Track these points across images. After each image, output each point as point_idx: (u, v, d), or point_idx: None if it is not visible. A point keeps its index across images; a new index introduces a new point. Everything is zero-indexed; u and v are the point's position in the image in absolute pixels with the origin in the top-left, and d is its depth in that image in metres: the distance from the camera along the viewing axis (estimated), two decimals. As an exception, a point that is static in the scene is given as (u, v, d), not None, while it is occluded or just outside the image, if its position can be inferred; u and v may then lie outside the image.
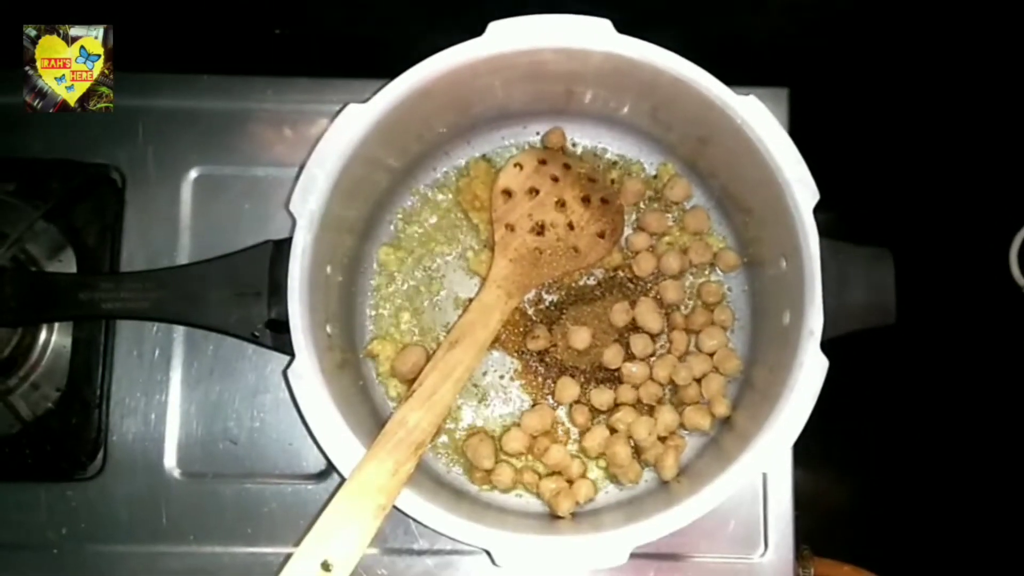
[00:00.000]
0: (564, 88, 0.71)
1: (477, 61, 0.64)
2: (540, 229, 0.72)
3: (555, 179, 0.73)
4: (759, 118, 0.63)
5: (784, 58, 0.79)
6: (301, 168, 0.63)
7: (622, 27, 0.64)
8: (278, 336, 0.63)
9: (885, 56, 0.84)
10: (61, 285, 0.67)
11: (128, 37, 0.72)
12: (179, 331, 0.75)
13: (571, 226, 0.73)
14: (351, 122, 0.63)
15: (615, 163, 0.76)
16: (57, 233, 0.77)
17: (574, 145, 0.77)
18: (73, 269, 0.76)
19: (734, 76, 0.65)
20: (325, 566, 0.57)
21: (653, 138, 0.76)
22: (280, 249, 0.64)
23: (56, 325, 0.77)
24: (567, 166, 0.74)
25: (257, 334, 0.64)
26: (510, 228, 0.72)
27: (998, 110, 0.87)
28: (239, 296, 0.64)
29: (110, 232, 0.76)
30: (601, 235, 0.73)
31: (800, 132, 0.71)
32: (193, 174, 0.77)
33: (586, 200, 0.73)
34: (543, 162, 0.74)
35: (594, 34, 0.64)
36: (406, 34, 0.75)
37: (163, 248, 0.76)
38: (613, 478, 0.72)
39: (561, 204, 0.73)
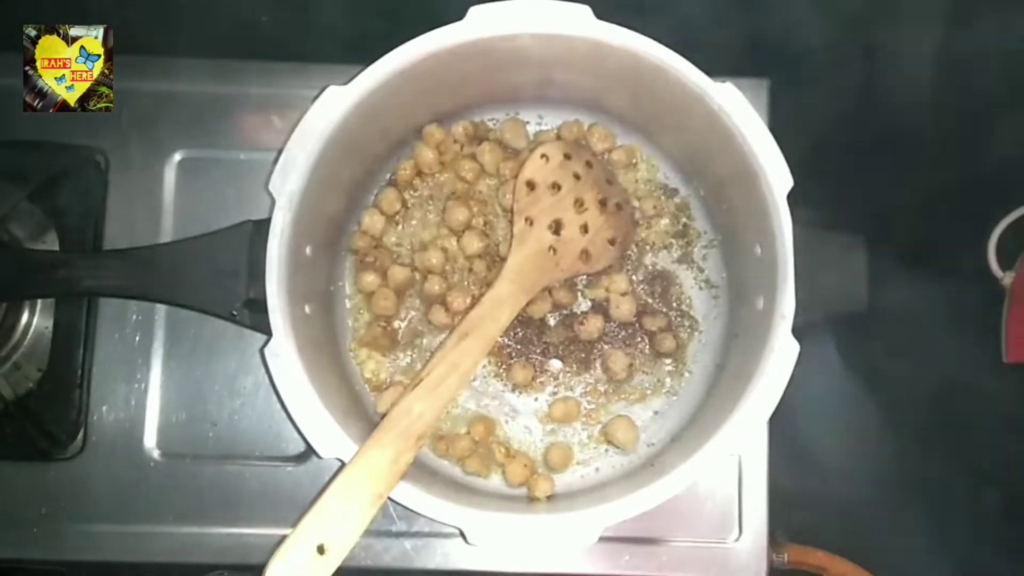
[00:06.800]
0: (547, 74, 0.72)
1: (457, 45, 0.65)
2: (557, 227, 0.71)
3: (577, 177, 0.72)
4: (735, 105, 0.64)
5: (765, 49, 0.80)
6: (282, 150, 0.64)
7: (602, 14, 0.65)
8: (256, 315, 0.64)
9: (866, 46, 0.84)
10: (39, 262, 0.67)
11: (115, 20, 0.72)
12: (160, 313, 0.76)
13: (585, 228, 0.71)
14: (332, 104, 0.64)
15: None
16: (40, 215, 0.77)
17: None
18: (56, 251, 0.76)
19: (716, 67, 0.65)
20: (320, 549, 0.56)
21: (635, 126, 0.76)
22: (259, 229, 0.64)
23: (38, 306, 0.77)
24: (589, 164, 0.73)
25: (235, 313, 0.65)
26: (529, 222, 0.70)
27: (978, 102, 0.88)
28: (217, 275, 0.65)
29: (93, 214, 0.77)
30: (612, 242, 0.73)
31: (780, 122, 0.72)
32: (177, 157, 0.78)
33: (603, 203, 0.72)
34: (568, 156, 0.72)
35: (573, 20, 0.64)
36: (392, 21, 0.75)
37: (146, 231, 0.76)
38: (607, 441, 0.73)
39: (579, 204, 0.72)
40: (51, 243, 0.77)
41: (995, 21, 0.79)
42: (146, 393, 0.75)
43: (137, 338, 0.76)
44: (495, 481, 0.72)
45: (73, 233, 0.76)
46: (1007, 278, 0.91)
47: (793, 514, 0.79)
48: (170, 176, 0.78)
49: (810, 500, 0.89)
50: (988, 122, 0.88)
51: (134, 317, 0.76)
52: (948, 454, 0.93)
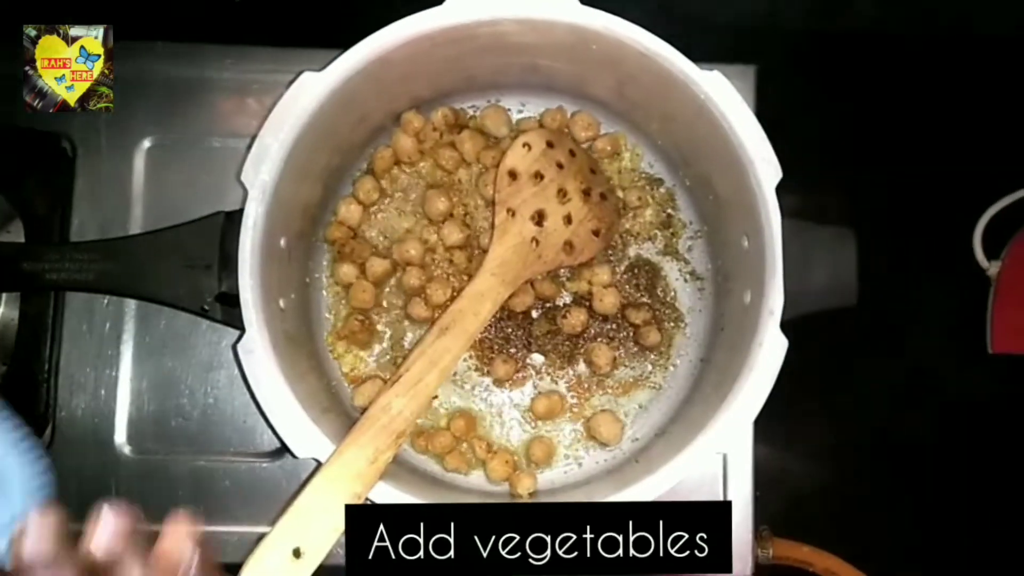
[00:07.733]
0: (529, 61, 0.70)
1: (437, 30, 0.63)
2: (540, 218, 0.69)
3: (560, 166, 0.70)
4: (723, 94, 0.62)
5: (752, 36, 0.78)
6: (254, 138, 0.62)
7: (586, -1, 0.63)
8: (228, 310, 0.62)
9: (854, 35, 0.83)
10: (3, 255, 0.65)
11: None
12: (131, 305, 0.74)
13: (568, 219, 0.69)
14: (306, 91, 0.62)
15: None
16: (5, 203, 0.74)
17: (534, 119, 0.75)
18: (21, 240, 0.74)
19: (701, 53, 0.63)
20: (296, 553, 0.55)
21: (619, 115, 0.75)
22: (232, 220, 0.63)
23: (3, 296, 0.75)
24: (572, 153, 0.71)
25: (207, 308, 0.63)
26: (511, 213, 0.68)
27: (965, 92, 0.87)
28: (189, 268, 0.63)
29: (60, 203, 0.74)
30: (596, 233, 0.71)
31: (767, 111, 0.71)
32: (146, 144, 0.75)
33: (587, 193, 0.70)
34: (551, 145, 0.70)
35: (557, 5, 0.62)
36: (370, 4, 0.73)
37: (115, 220, 0.74)
38: (590, 436, 0.71)
39: (562, 194, 0.70)
40: (16, 232, 0.74)
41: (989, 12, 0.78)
42: (116, 386, 0.73)
43: (107, 329, 0.73)
44: (476, 478, 0.71)
45: (40, 222, 0.74)
46: (993, 268, 0.91)
47: (778, 509, 0.78)
48: (139, 164, 0.75)
49: (796, 494, 0.89)
50: (976, 111, 0.88)
51: (104, 308, 0.73)
52: (934, 446, 0.93)
